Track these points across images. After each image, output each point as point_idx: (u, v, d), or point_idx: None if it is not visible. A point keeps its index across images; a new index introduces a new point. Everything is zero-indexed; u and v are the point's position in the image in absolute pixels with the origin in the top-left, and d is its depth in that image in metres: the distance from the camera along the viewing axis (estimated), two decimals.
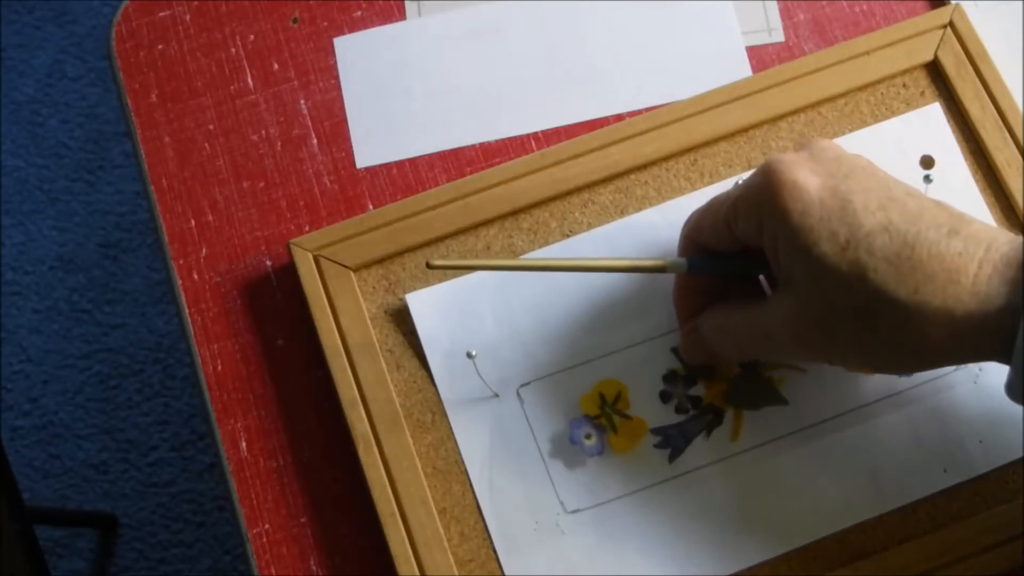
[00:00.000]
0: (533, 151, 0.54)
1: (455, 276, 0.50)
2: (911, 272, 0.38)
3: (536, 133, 0.54)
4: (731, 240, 0.43)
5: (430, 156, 0.54)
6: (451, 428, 0.48)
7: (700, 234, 0.45)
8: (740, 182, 0.44)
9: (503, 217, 0.51)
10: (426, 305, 0.50)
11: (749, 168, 0.52)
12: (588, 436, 0.48)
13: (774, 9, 0.56)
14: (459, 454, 0.48)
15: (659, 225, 0.51)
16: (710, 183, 0.51)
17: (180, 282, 0.53)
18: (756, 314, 0.43)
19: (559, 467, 0.48)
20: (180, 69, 0.56)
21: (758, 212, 0.41)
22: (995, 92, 0.51)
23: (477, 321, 0.50)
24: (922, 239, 0.38)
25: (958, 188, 0.51)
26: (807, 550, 0.46)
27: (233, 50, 0.57)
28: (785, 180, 0.40)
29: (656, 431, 0.48)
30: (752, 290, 0.47)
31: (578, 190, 0.51)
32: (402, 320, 0.50)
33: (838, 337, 0.40)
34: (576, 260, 0.46)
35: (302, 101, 0.56)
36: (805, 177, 0.40)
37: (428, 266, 0.44)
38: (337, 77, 0.56)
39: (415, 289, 0.50)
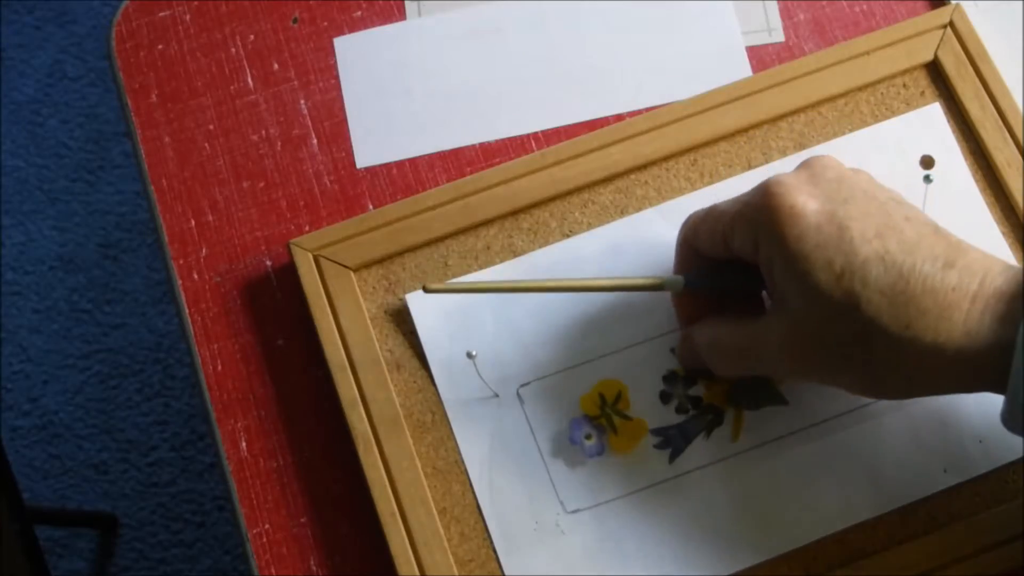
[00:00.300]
0: (533, 151, 0.54)
1: (455, 277, 0.50)
2: (904, 306, 0.38)
3: (536, 133, 0.54)
4: (727, 251, 0.43)
5: (430, 156, 0.54)
6: (451, 428, 0.48)
7: (697, 240, 0.45)
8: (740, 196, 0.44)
9: (503, 217, 0.51)
10: (426, 305, 0.50)
11: (749, 168, 0.52)
12: (588, 436, 0.48)
13: (774, 9, 0.56)
14: (459, 454, 0.48)
15: (659, 225, 0.51)
16: (710, 183, 0.51)
17: (180, 282, 0.53)
18: (749, 332, 0.43)
19: (559, 467, 0.48)
20: (180, 69, 0.56)
21: (754, 233, 0.41)
22: (995, 92, 0.51)
23: (477, 321, 0.50)
24: (917, 272, 0.38)
25: (958, 188, 0.51)
26: (807, 550, 0.46)
27: (233, 50, 0.57)
28: (783, 204, 0.40)
29: (656, 431, 0.48)
30: (751, 302, 0.46)
31: (578, 190, 0.51)
32: (402, 320, 0.50)
33: (831, 362, 0.41)
34: (573, 281, 0.47)
35: (302, 101, 0.56)
36: (804, 202, 0.40)
37: (425, 290, 0.44)
38: (337, 77, 0.56)
39: (415, 289, 0.50)
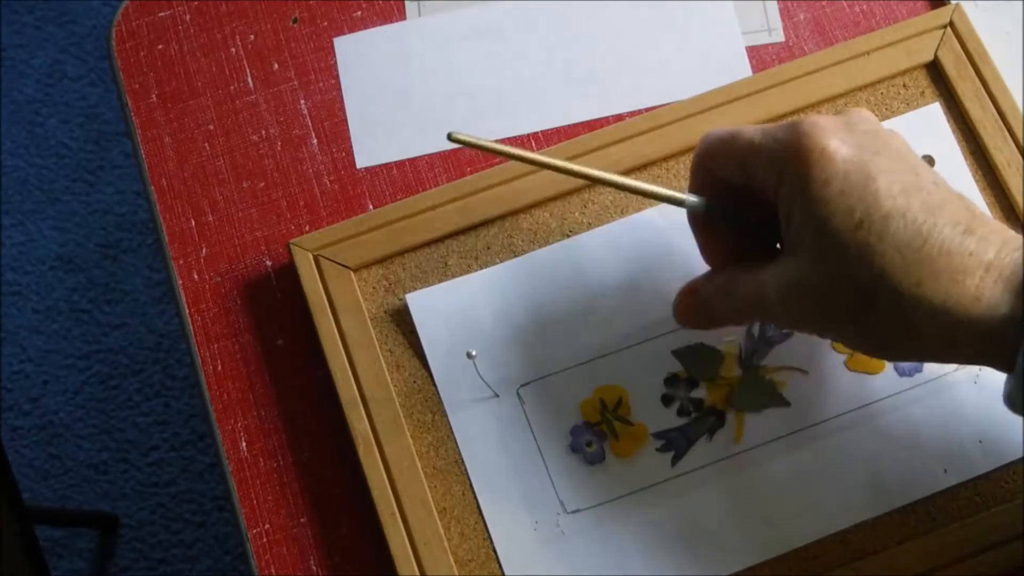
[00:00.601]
0: (533, 151, 0.53)
1: (455, 276, 0.50)
2: (917, 264, 0.38)
3: (536, 133, 0.54)
4: (746, 180, 0.42)
5: (430, 156, 0.54)
6: (451, 428, 0.48)
7: (715, 162, 0.43)
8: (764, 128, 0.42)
9: (503, 217, 0.51)
10: (426, 305, 0.50)
11: None
12: (589, 444, 0.48)
13: (774, 9, 0.56)
14: (459, 454, 0.48)
15: (659, 225, 0.51)
16: None
17: (180, 282, 0.53)
18: (757, 275, 0.42)
19: (559, 467, 0.48)
20: (180, 69, 0.56)
21: (779, 171, 0.40)
22: (995, 92, 0.51)
23: (477, 321, 0.50)
24: (936, 233, 0.38)
25: (958, 188, 0.50)
26: (807, 550, 0.46)
27: (233, 50, 0.57)
28: (814, 145, 0.39)
29: (658, 435, 0.48)
30: (769, 252, 0.45)
31: (578, 190, 0.51)
32: (402, 320, 0.50)
33: (833, 313, 0.40)
34: (597, 171, 0.44)
35: (302, 101, 0.56)
36: (836, 146, 0.39)
37: (449, 138, 0.42)
38: (337, 77, 0.56)
39: (415, 289, 0.50)
